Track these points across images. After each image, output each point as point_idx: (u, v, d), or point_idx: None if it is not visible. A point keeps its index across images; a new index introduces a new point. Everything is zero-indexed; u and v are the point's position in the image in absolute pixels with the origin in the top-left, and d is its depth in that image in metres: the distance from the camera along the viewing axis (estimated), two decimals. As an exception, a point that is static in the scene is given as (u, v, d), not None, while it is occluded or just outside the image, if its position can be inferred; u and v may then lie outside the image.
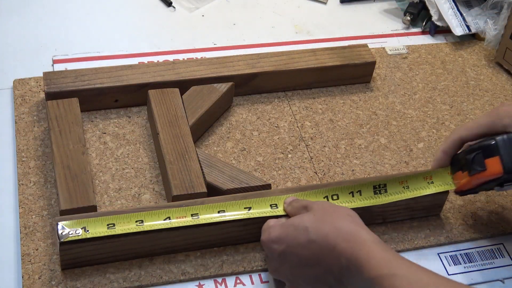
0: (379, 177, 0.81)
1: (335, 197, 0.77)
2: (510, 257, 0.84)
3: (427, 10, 1.14)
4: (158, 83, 0.92)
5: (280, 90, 0.99)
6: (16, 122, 0.90)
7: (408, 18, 1.14)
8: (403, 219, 0.83)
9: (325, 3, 1.18)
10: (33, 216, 0.80)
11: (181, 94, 0.91)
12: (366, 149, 0.93)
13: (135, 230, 0.73)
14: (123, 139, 0.90)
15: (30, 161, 0.85)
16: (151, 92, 0.90)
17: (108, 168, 0.86)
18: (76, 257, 0.73)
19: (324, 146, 0.93)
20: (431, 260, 0.82)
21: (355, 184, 0.78)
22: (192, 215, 0.74)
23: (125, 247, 0.74)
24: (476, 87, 1.05)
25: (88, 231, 0.72)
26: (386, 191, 0.78)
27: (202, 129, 0.91)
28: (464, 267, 0.82)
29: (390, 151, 0.93)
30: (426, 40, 1.13)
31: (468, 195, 0.89)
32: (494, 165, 0.74)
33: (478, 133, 0.77)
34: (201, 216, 0.74)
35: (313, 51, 1.00)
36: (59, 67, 0.99)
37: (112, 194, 0.83)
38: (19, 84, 0.95)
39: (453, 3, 1.13)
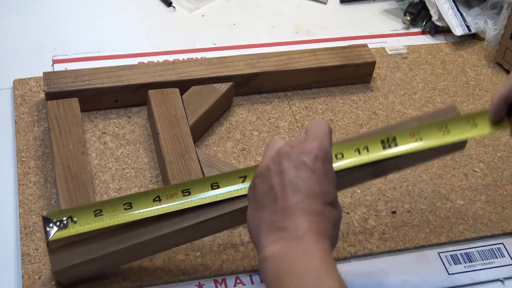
0: (387, 127, 0.73)
1: (339, 156, 0.69)
2: (510, 257, 0.84)
3: (427, 10, 1.14)
4: (158, 83, 0.92)
5: (280, 90, 0.99)
6: (16, 122, 0.90)
7: (408, 18, 1.14)
8: (420, 164, 0.76)
9: (325, 3, 1.18)
10: (33, 216, 0.80)
11: (181, 94, 0.91)
12: (366, 149, 0.93)
13: (123, 214, 0.69)
14: (123, 139, 0.90)
15: (30, 161, 0.85)
16: (151, 92, 0.90)
17: (108, 168, 0.86)
18: (73, 276, 0.72)
19: (324, 146, 0.93)
20: (431, 260, 0.82)
21: (361, 140, 0.70)
22: (183, 191, 0.70)
23: (120, 260, 0.72)
24: (476, 87, 1.05)
25: (75, 220, 0.68)
26: (396, 145, 0.69)
27: (202, 129, 0.91)
28: (464, 267, 0.82)
29: (390, 151, 0.93)
30: (426, 40, 1.13)
31: (468, 194, 0.89)
32: None
33: None
34: (192, 192, 0.70)
35: (313, 51, 1.00)
36: (59, 67, 0.99)
37: (112, 194, 0.83)
38: (19, 84, 0.95)
39: (453, 3, 1.13)
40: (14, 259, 0.76)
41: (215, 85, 0.93)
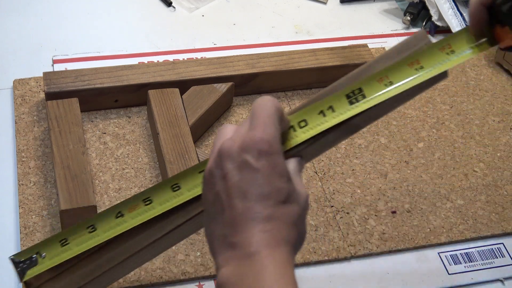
0: (352, 75, 0.63)
1: (303, 124, 0.60)
2: (510, 257, 0.84)
3: (427, 10, 1.14)
4: (158, 83, 0.92)
5: (280, 90, 0.99)
6: (16, 122, 0.90)
7: (408, 18, 1.14)
8: (398, 106, 0.64)
9: (325, 3, 1.18)
10: (33, 216, 0.80)
11: (181, 94, 0.91)
12: (366, 149, 0.93)
13: (89, 239, 0.65)
14: (123, 139, 0.90)
15: (30, 161, 0.85)
16: (151, 92, 0.90)
17: (108, 168, 0.86)
18: None
19: (324, 146, 0.93)
20: (431, 260, 0.82)
21: (324, 99, 0.61)
22: (144, 200, 0.64)
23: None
24: (476, 87, 1.05)
25: (43, 255, 0.65)
26: (364, 97, 0.60)
27: (202, 129, 0.91)
28: (464, 267, 0.82)
29: (390, 151, 0.93)
30: (426, 40, 1.13)
31: (468, 194, 0.89)
32: None
33: None
34: (154, 199, 0.64)
35: (313, 51, 1.00)
36: (59, 67, 0.99)
37: (112, 194, 0.83)
38: (19, 84, 0.95)
39: (453, 3, 1.13)
40: (14, 259, 0.76)
41: (215, 85, 0.93)
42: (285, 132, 0.60)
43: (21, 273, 0.65)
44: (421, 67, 0.60)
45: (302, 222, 0.57)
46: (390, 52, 0.62)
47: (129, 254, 0.66)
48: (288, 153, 0.59)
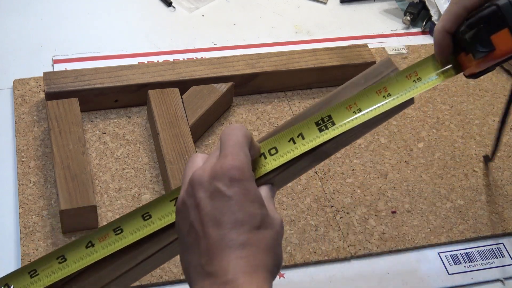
0: (321, 102, 0.64)
1: (273, 151, 0.61)
2: (510, 257, 0.84)
3: (427, 10, 1.14)
4: (158, 83, 0.92)
5: (280, 90, 0.99)
6: (16, 122, 0.90)
7: (408, 18, 1.14)
8: (366, 133, 0.65)
9: (325, 3, 1.18)
10: (33, 216, 0.80)
11: (181, 94, 0.91)
12: (366, 149, 0.93)
13: (59, 270, 0.63)
14: (123, 139, 0.90)
15: (30, 161, 0.85)
16: (151, 92, 0.90)
17: (108, 168, 0.86)
18: None
19: (324, 146, 0.93)
20: (431, 260, 0.82)
21: (294, 127, 0.61)
22: (114, 230, 0.63)
23: None
24: (476, 87, 1.05)
25: (12, 287, 0.63)
26: (333, 124, 0.61)
27: (202, 129, 0.91)
28: (464, 267, 0.82)
29: (390, 151, 0.93)
30: (426, 40, 1.13)
31: (468, 194, 0.89)
32: (504, 41, 0.56)
33: None
34: (124, 228, 0.63)
35: (313, 51, 1.00)
36: (59, 67, 0.99)
37: (112, 194, 0.83)
38: (19, 84, 0.95)
39: (453, 3, 1.13)
40: (14, 259, 0.76)
41: (215, 85, 0.93)
42: (256, 159, 0.60)
43: None
44: (389, 95, 0.61)
45: (277, 246, 0.57)
46: (357, 79, 0.63)
47: (100, 286, 0.65)
48: (260, 181, 0.60)
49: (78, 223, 0.79)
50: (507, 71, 1.08)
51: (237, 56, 0.98)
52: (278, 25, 1.12)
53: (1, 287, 0.63)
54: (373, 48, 1.07)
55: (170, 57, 1.02)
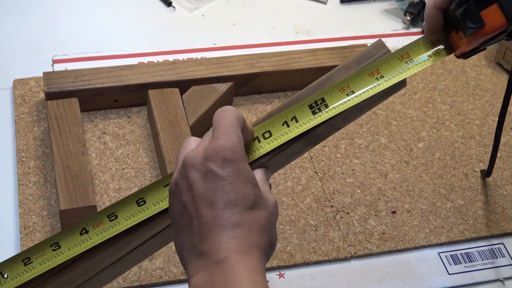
0: (313, 87, 0.65)
1: (267, 135, 0.61)
2: (510, 257, 0.84)
3: (427, 10, 1.13)
4: (158, 83, 0.92)
5: (280, 90, 0.99)
6: (16, 122, 0.90)
7: (408, 18, 1.14)
8: (360, 116, 0.65)
9: (325, 3, 1.18)
10: (33, 216, 0.80)
11: (181, 94, 0.91)
12: (366, 149, 0.93)
13: (53, 257, 0.63)
14: (123, 139, 0.90)
15: (30, 161, 0.85)
16: (151, 92, 0.90)
17: (108, 168, 0.86)
18: None
19: (324, 146, 0.93)
20: (431, 260, 0.82)
21: (287, 110, 0.62)
22: (109, 216, 0.63)
23: None
24: (476, 87, 1.05)
25: (6, 276, 0.63)
26: (326, 106, 0.61)
27: (202, 129, 0.91)
28: (464, 267, 0.82)
29: (390, 151, 0.93)
30: (426, 40, 1.13)
31: (468, 194, 0.89)
32: (493, 17, 0.57)
33: None
34: (119, 214, 0.63)
35: (313, 51, 1.00)
36: (59, 67, 0.99)
37: (112, 194, 0.83)
38: (19, 84, 0.95)
39: (453, 3, 1.13)
40: (14, 259, 0.76)
41: (215, 85, 0.93)
42: (249, 143, 0.60)
43: None
44: (381, 76, 0.61)
45: (271, 227, 0.57)
46: (350, 62, 0.64)
47: (96, 272, 0.64)
48: (254, 164, 0.60)
49: (78, 223, 0.79)
50: (507, 71, 1.08)
51: (237, 56, 0.98)
52: (278, 25, 1.12)
53: None
54: (373, 48, 1.07)
55: (170, 57, 1.02)
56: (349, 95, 0.61)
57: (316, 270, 0.80)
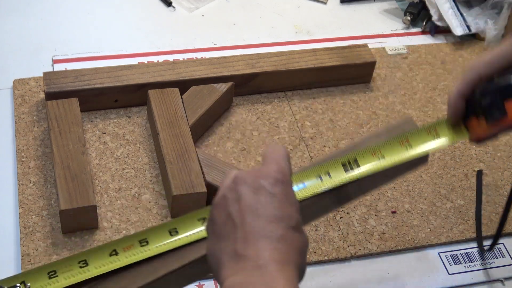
0: (347, 149, 0.69)
1: (301, 185, 0.65)
2: (510, 257, 0.84)
3: (427, 10, 1.14)
4: (158, 83, 0.92)
5: (280, 90, 0.99)
6: (16, 122, 0.90)
7: (408, 18, 1.14)
8: (386, 184, 0.73)
9: (325, 3, 1.18)
10: (33, 216, 0.80)
11: (181, 94, 0.91)
12: (366, 149, 0.93)
13: (79, 274, 0.64)
14: (123, 139, 0.90)
15: (30, 161, 0.85)
16: (151, 92, 0.90)
17: (108, 168, 0.86)
18: None
19: (324, 146, 0.93)
20: (431, 260, 0.82)
21: (321, 165, 0.67)
22: (140, 241, 0.65)
23: None
24: (476, 87, 1.05)
25: (28, 286, 0.63)
26: (358, 166, 0.66)
27: (202, 129, 0.91)
28: (465, 267, 0.82)
29: (390, 151, 0.93)
30: (426, 40, 1.13)
31: (468, 194, 0.89)
32: None
33: (500, 67, 0.64)
34: (150, 241, 0.65)
35: (313, 51, 1.00)
36: (59, 67, 0.99)
37: (112, 194, 0.83)
38: (19, 84, 0.95)
39: (453, 3, 1.13)
40: (14, 259, 0.76)
41: (215, 85, 0.93)
42: None
43: None
44: (410, 146, 0.66)
45: (305, 255, 0.59)
46: (380, 131, 0.70)
47: None
48: None
49: (78, 223, 0.79)
50: (507, 71, 1.08)
51: (237, 56, 0.98)
52: (278, 25, 1.12)
53: (18, 284, 0.63)
54: (373, 48, 1.07)
55: (170, 57, 1.02)
56: (379, 159, 0.66)
57: (316, 270, 0.80)
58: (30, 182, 0.83)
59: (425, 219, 0.85)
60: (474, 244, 0.84)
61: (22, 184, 0.83)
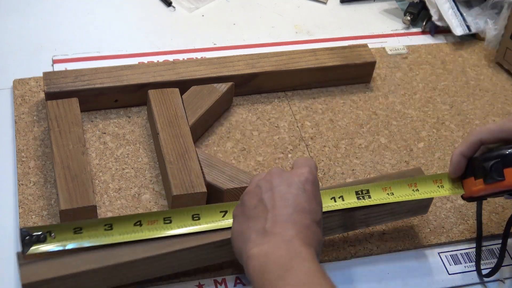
0: (360, 181, 0.79)
1: None
2: (510, 257, 0.84)
3: (427, 10, 1.14)
4: (158, 83, 0.92)
5: (280, 90, 0.99)
6: (16, 122, 0.90)
7: (408, 18, 1.14)
8: (388, 221, 0.81)
9: (325, 3, 1.18)
10: (33, 216, 0.80)
11: (181, 94, 0.91)
12: (366, 149, 0.93)
13: (102, 236, 0.69)
14: (123, 139, 0.90)
15: (30, 161, 0.85)
16: (151, 92, 0.90)
17: (108, 168, 0.86)
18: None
19: (324, 146, 0.93)
20: (431, 260, 0.82)
21: (337, 189, 0.76)
22: (164, 219, 0.71)
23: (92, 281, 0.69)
24: (476, 87, 1.05)
25: (53, 235, 0.68)
26: (370, 197, 0.75)
27: (202, 129, 0.91)
28: (465, 267, 0.82)
29: (390, 151, 0.93)
30: (426, 40, 1.13)
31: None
32: None
33: (500, 138, 0.74)
34: (173, 220, 0.71)
35: (313, 51, 1.00)
36: (59, 67, 0.99)
37: (112, 194, 0.83)
38: (19, 84, 0.95)
39: (453, 3, 1.13)
40: (14, 259, 0.76)
41: (215, 85, 0.93)
42: None
43: (26, 246, 0.67)
44: (417, 190, 0.76)
45: (321, 251, 0.67)
46: (392, 174, 0.81)
47: (133, 258, 0.69)
48: None
49: (78, 223, 0.79)
50: (507, 71, 1.08)
51: (237, 56, 0.98)
52: (278, 25, 1.12)
53: (44, 232, 0.68)
54: (373, 48, 1.07)
55: (170, 57, 1.02)
56: (389, 195, 0.75)
57: (316, 270, 0.80)
58: (30, 182, 0.83)
59: (425, 219, 0.85)
60: (474, 244, 0.84)
61: (22, 184, 0.83)
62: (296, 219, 0.64)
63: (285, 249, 0.61)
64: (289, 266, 0.60)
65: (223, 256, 0.73)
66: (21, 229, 0.68)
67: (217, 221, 0.72)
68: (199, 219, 0.72)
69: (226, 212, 0.73)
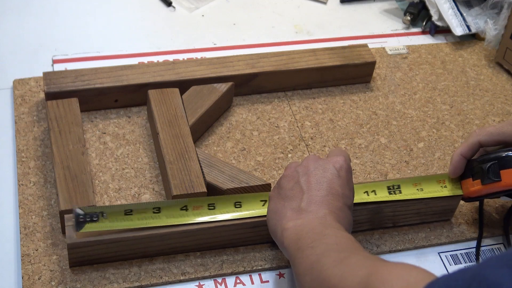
0: (393, 179, 0.82)
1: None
2: (511, 257, 0.84)
3: (427, 10, 1.14)
4: (158, 83, 0.92)
5: (280, 90, 0.99)
6: (16, 122, 0.90)
7: (408, 18, 1.14)
8: (414, 223, 0.83)
9: (325, 3, 1.18)
10: (33, 217, 0.80)
11: (181, 94, 0.91)
12: (366, 149, 0.93)
13: (151, 218, 0.73)
14: (123, 139, 0.90)
15: (30, 161, 0.85)
16: (151, 92, 0.90)
17: (108, 168, 0.86)
18: (84, 255, 0.74)
19: (324, 146, 0.93)
20: (431, 260, 0.82)
21: (371, 184, 0.80)
22: (208, 205, 0.75)
23: (134, 246, 0.75)
24: (476, 87, 1.05)
25: (105, 215, 0.72)
26: (400, 192, 0.79)
27: (202, 129, 0.91)
28: (465, 267, 0.82)
29: (390, 151, 0.93)
30: (426, 40, 1.13)
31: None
32: (509, 177, 0.75)
33: (498, 140, 0.77)
34: (217, 207, 0.76)
35: (313, 51, 1.00)
36: (59, 67, 0.99)
37: (112, 194, 0.83)
38: (19, 84, 0.95)
39: (453, 3, 1.13)
40: (14, 260, 0.76)
41: (215, 85, 0.93)
42: None
43: (80, 225, 0.71)
44: (445, 186, 0.80)
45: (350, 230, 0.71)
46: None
47: (175, 229, 0.74)
48: None
49: (78, 223, 0.79)
50: (507, 71, 1.08)
51: (237, 56, 0.98)
52: (278, 25, 1.12)
53: (97, 212, 0.72)
54: (373, 48, 1.07)
55: (170, 57, 1.02)
56: (418, 190, 0.80)
57: (316, 270, 0.80)
58: (30, 182, 0.83)
59: (425, 219, 0.86)
60: (474, 244, 0.84)
61: (22, 184, 0.83)
62: (330, 200, 0.69)
63: (319, 223, 0.67)
64: (323, 233, 0.65)
65: (255, 237, 0.78)
66: (74, 210, 0.71)
67: (257, 209, 0.76)
68: (240, 206, 0.76)
69: (265, 201, 0.77)
